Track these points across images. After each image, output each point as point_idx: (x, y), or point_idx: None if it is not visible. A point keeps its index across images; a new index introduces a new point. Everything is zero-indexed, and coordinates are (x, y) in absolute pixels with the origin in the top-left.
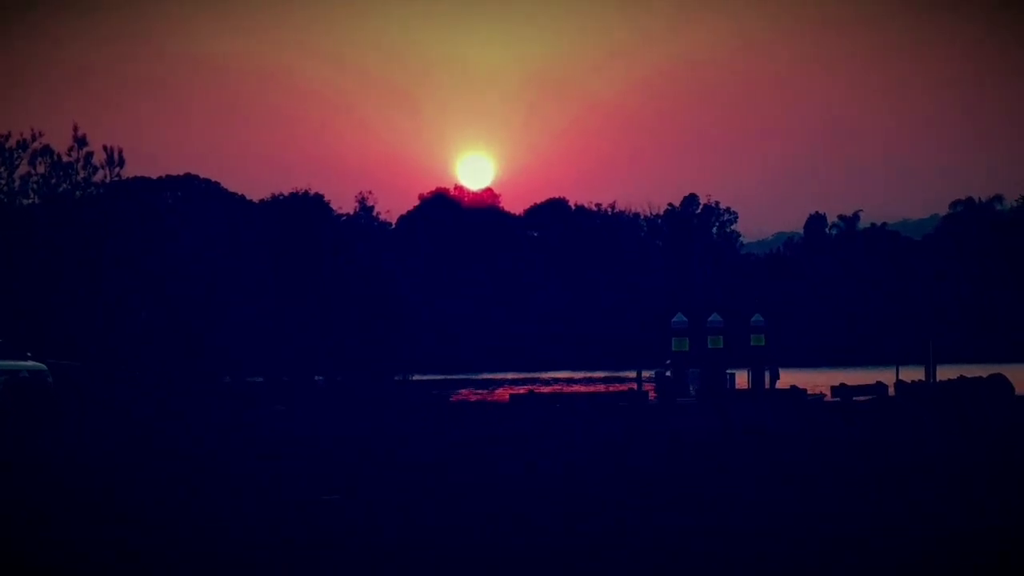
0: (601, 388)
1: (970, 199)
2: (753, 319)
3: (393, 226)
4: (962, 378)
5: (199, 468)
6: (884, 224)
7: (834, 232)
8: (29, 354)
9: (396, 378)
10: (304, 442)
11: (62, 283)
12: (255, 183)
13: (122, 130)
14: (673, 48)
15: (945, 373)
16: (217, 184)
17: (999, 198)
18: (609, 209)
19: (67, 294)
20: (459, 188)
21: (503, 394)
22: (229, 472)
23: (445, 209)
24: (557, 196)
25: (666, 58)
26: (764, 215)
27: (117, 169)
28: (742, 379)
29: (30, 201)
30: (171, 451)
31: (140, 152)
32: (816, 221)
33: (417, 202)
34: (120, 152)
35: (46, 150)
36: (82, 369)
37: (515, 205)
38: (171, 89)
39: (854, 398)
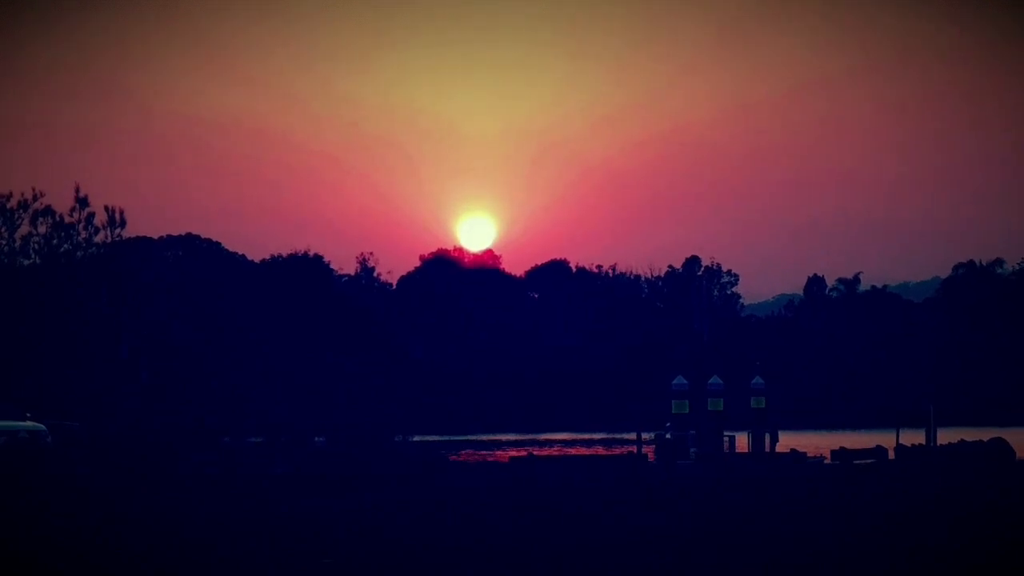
0: (601, 451)
1: (971, 262)
2: (753, 381)
3: (394, 287)
4: (963, 442)
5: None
6: (885, 287)
7: (834, 295)
8: (28, 415)
9: (396, 438)
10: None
11: (62, 343)
12: (256, 243)
13: (122, 189)
14: (670, 110)
15: (946, 436)
16: (218, 244)
17: (1000, 262)
18: (610, 271)
19: (68, 354)
20: (460, 249)
21: (503, 456)
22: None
23: (446, 270)
24: (558, 257)
25: (664, 119)
26: (765, 277)
27: (118, 230)
28: (742, 441)
29: (31, 261)
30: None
31: (141, 212)
32: (816, 283)
33: (418, 263)
34: (121, 212)
35: (47, 210)
36: (81, 429)
37: (516, 267)
38: (171, 148)
39: (854, 462)
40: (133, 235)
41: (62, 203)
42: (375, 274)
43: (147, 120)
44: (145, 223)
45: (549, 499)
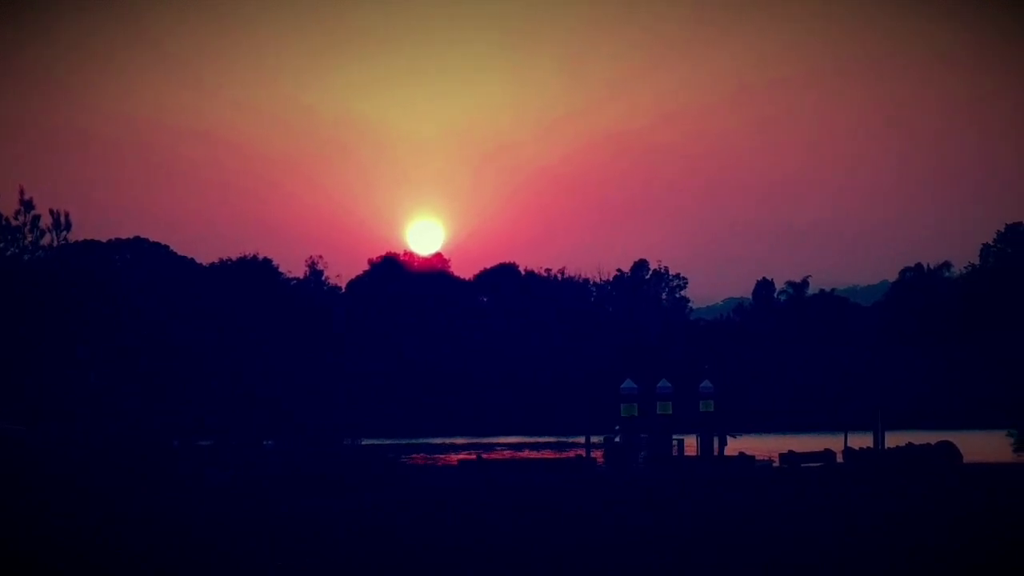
0: (549, 454)
1: (919, 266)
2: (702, 385)
3: (343, 290)
4: (910, 445)
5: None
6: (833, 290)
7: (783, 298)
8: None
9: (345, 442)
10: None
11: (10, 346)
12: (205, 246)
13: (68, 192)
14: (617, 114)
15: (894, 439)
16: (167, 247)
17: (947, 265)
18: (559, 274)
19: (15, 357)
20: (409, 253)
21: (452, 459)
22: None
23: (395, 274)
24: (507, 261)
25: (611, 123)
26: (714, 280)
27: (64, 233)
28: (691, 445)
29: None
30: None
31: (87, 215)
32: (764, 287)
33: (367, 267)
34: (67, 216)
35: None
36: (27, 433)
37: (465, 270)
38: (119, 151)
39: (802, 465)
40: (80, 238)
41: (7, 206)
42: (324, 277)
43: (95, 122)
44: (92, 226)
45: (506, 501)
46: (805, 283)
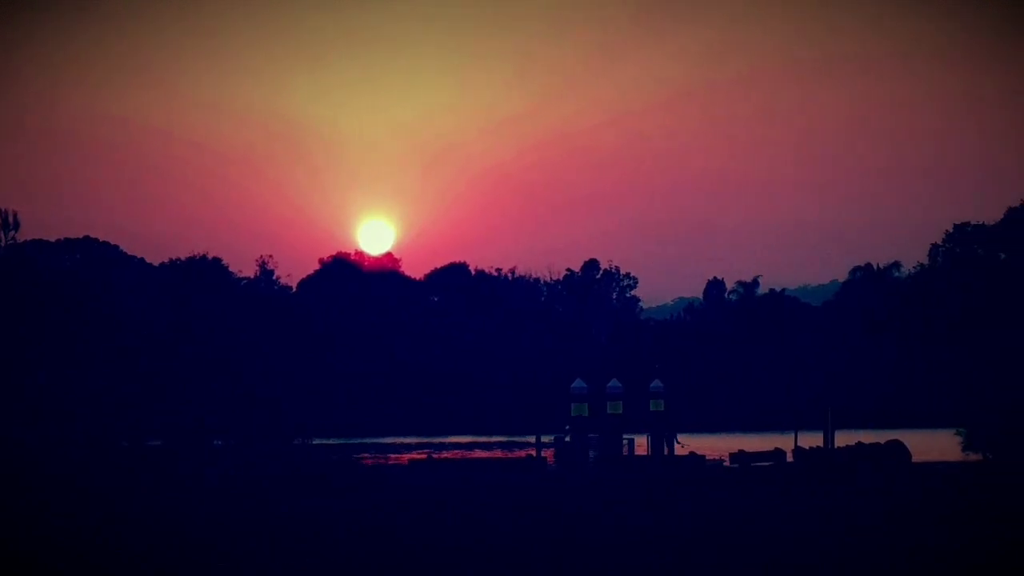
0: (499, 454)
1: (868, 265)
2: (652, 385)
3: (294, 290)
4: (860, 444)
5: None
6: (783, 290)
7: (734, 298)
8: None
9: (296, 441)
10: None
11: None
12: (155, 245)
13: (16, 191)
14: (565, 113)
15: (845, 439)
16: (116, 247)
17: (897, 264)
18: (509, 274)
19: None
20: (359, 253)
21: (403, 459)
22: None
23: (345, 273)
24: (458, 260)
25: (559, 123)
26: (664, 279)
27: (12, 233)
28: (642, 444)
29: None
30: None
31: (35, 214)
32: (715, 287)
33: (317, 266)
34: (15, 215)
35: None
36: None
37: (416, 269)
38: (68, 149)
39: (753, 464)
40: (29, 238)
41: None
42: (274, 276)
43: (40, 118)
44: (40, 226)
45: (450, 500)
46: (756, 283)
